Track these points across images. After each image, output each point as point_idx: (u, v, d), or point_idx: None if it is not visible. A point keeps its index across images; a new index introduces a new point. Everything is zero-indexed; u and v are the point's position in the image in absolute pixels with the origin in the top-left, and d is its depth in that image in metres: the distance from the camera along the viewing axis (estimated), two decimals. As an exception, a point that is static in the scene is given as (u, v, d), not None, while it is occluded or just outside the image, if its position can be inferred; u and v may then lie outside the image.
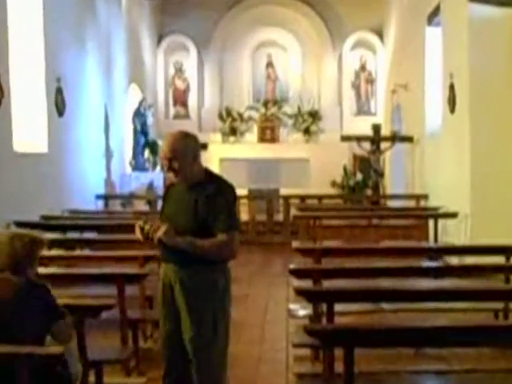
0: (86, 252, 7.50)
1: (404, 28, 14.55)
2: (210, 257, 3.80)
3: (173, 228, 3.77)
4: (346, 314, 5.16)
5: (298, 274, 5.47)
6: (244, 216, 12.92)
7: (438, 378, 4.70)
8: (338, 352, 3.98)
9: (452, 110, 10.03)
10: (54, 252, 6.80)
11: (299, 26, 18.20)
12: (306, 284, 5.35)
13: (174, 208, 3.91)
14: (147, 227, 3.78)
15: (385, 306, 5.49)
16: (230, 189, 3.88)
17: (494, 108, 8.95)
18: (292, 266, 5.51)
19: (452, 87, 9.99)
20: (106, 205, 12.46)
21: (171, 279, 3.88)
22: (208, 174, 3.93)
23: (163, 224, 3.81)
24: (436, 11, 11.20)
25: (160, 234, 3.74)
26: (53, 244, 7.12)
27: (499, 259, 6.24)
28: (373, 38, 17.92)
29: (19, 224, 8.29)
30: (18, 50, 8.98)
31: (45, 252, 7.18)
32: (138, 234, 3.86)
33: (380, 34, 17.71)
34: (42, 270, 5.34)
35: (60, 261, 6.50)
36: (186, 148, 3.81)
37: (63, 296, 4.09)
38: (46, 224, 8.52)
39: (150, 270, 5.78)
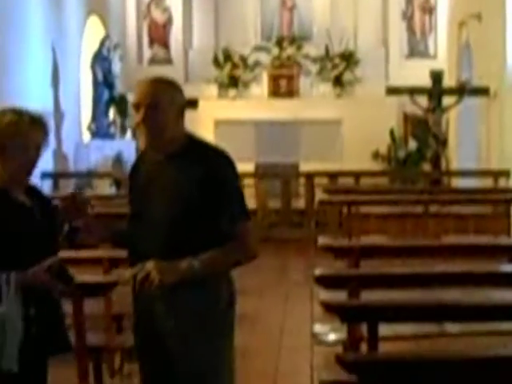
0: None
1: None
2: (228, 267, 3.73)
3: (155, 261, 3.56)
4: (394, 338, 5.16)
5: (327, 282, 5.47)
6: (250, 202, 12.90)
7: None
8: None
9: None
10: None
11: None
12: (339, 297, 5.34)
13: (146, 192, 3.77)
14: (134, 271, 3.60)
15: (449, 327, 5.49)
16: (228, 160, 3.74)
17: None
18: (319, 272, 5.51)
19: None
20: (56, 186, 12.45)
21: (149, 297, 3.69)
22: (191, 140, 3.77)
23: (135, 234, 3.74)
24: None
25: (154, 274, 3.51)
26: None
27: None
28: None
29: None
30: None
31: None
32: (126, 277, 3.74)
33: None
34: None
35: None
36: (172, 98, 3.68)
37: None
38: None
39: (119, 277, 5.79)
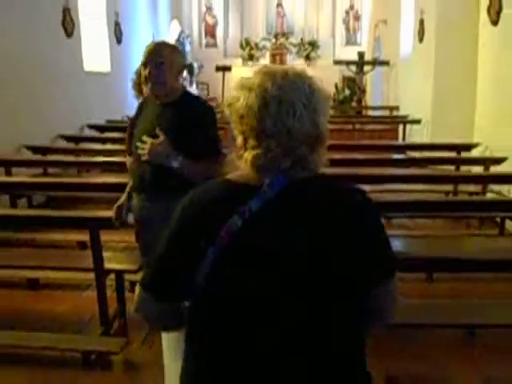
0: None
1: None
2: (202, 177, 2.40)
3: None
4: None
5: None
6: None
7: (402, 240, 4.76)
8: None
9: (421, 39, 9.69)
10: (119, 147, 6.69)
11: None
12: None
13: (145, 128, 2.74)
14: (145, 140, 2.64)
15: (364, 187, 5.49)
16: (210, 109, 2.79)
17: (455, 37, 8.61)
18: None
19: (422, 21, 9.60)
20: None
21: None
22: (185, 93, 2.79)
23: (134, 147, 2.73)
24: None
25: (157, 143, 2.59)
26: (117, 141, 7.13)
27: (451, 154, 6.29)
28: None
29: (90, 126, 8.30)
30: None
31: (111, 146, 7.19)
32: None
33: (366, -21, 16.88)
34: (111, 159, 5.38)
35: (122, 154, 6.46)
36: (173, 59, 2.70)
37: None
38: (110, 126, 8.51)
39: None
